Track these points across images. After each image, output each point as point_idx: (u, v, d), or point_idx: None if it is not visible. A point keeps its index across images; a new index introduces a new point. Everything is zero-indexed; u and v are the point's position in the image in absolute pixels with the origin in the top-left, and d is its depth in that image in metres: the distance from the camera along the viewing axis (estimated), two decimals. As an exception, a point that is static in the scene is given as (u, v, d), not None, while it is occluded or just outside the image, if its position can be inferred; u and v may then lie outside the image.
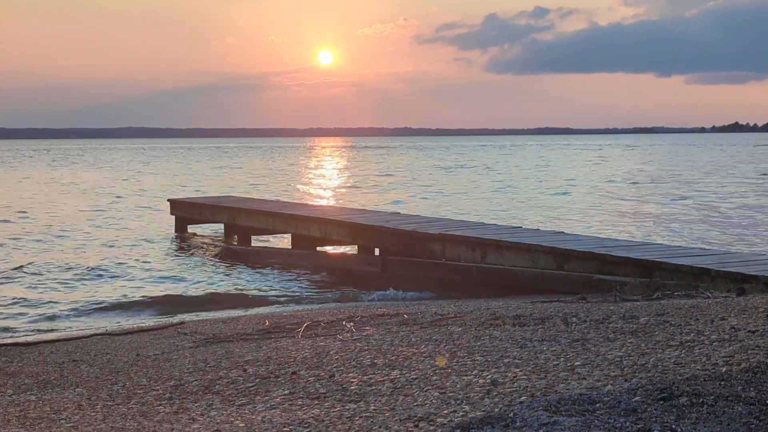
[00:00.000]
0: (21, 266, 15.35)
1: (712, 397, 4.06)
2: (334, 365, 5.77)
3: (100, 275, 14.53)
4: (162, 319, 10.57)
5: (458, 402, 4.43)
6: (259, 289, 12.98)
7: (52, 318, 11.06)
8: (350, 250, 16.02)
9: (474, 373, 5.06)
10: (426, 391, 4.77)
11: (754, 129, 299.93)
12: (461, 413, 4.18)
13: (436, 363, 5.41)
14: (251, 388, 5.45)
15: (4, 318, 11.07)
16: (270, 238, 18.62)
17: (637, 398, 4.11)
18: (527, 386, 4.59)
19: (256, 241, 18.09)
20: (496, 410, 4.14)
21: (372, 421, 4.29)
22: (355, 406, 4.66)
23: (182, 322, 9.72)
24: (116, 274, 14.60)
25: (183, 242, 19.04)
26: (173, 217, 20.69)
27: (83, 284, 13.65)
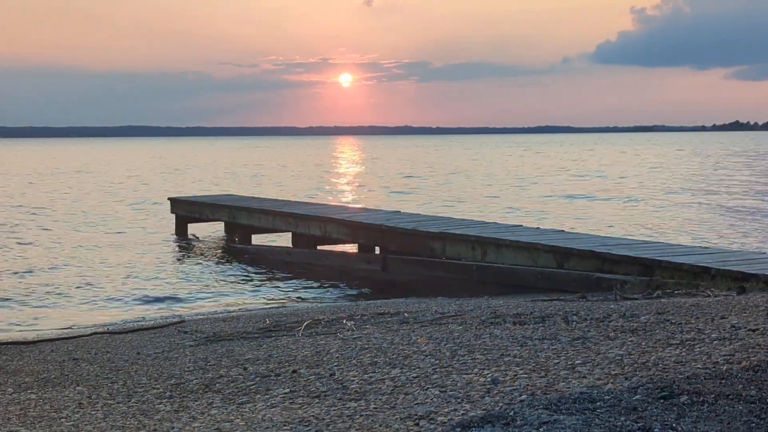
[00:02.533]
0: (21, 270, 15.35)
1: (713, 395, 4.05)
2: (335, 364, 5.78)
3: (100, 274, 14.53)
4: (162, 318, 10.57)
5: (459, 400, 4.43)
6: (260, 288, 12.98)
7: (52, 316, 11.06)
8: (351, 248, 16.02)
9: (474, 371, 5.06)
10: (426, 389, 4.77)
11: (755, 128, 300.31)
12: (462, 412, 4.18)
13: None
14: (252, 387, 5.45)
15: (4, 316, 11.07)
16: (271, 236, 18.62)
17: (638, 397, 4.11)
18: (528, 385, 4.59)
19: (257, 240, 18.09)
20: (496, 409, 4.14)
21: (372, 420, 4.29)
22: (356, 404, 4.66)
23: (182, 321, 9.73)
24: (116, 273, 14.60)
25: (183, 241, 19.04)
26: (173, 215, 20.68)
27: (83, 282, 13.65)
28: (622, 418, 3.80)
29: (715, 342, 5.26)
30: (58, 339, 8.82)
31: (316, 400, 4.87)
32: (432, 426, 4.01)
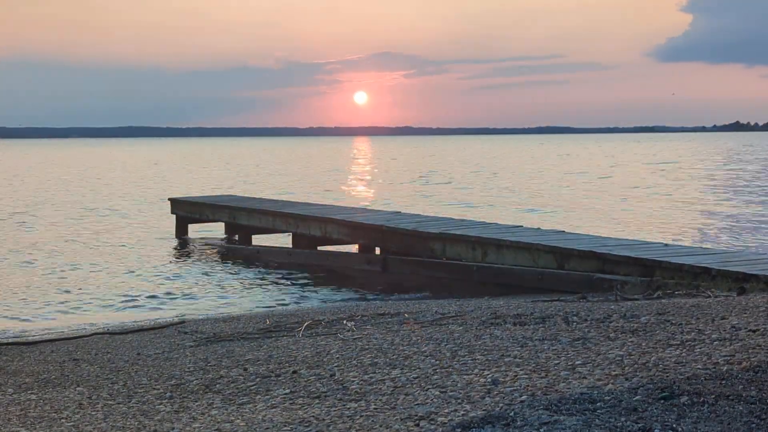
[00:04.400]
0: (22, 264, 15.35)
1: (713, 396, 4.05)
2: (335, 364, 5.77)
3: (100, 274, 14.53)
4: (163, 319, 10.57)
5: (459, 401, 4.43)
6: (260, 289, 12.98)
7: (52, 317, 11.06)
8: (351, 249, 16.01)
9: (475, 372, 5.06)
10: (427, 390, 4.77)
11: (755, 128, 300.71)
12: (462, 412, 4.18)
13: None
14: (252, 387, 5.45)
15: (4, 317, 11.08)
16: (271, 237, 18.62)
17: (638, 397, 4.11)
18: (528, 385, 4.59)
19: (257, 240, 18.09)
20: (496, 409, 4.14)
21: (373, 420, 4.29)
22: (356, 405, 4.66)
23: (183, 321, 9.73)
24: (117, 274, 14.60)
25: (183, 241, 19.04)
26: (173, 216, 20.68)
27: (83, 283, 13.66)
28: (623, 419, 3.80)
29: (715, 342, 5.26)
30: (58, 339, 8.82)
31: (317, 401, 4.87)
32: (432, 426, 4.01)
